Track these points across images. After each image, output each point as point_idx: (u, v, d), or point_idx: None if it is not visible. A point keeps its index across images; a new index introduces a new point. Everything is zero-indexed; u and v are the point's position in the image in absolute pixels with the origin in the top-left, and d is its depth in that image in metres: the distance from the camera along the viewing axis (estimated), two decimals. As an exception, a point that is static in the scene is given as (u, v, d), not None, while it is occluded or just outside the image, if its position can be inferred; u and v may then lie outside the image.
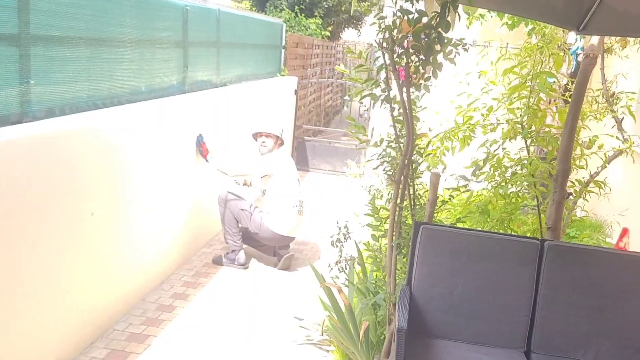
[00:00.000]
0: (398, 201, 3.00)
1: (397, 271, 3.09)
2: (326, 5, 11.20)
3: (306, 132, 9.29)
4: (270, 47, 7.89)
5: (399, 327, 2.34)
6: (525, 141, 3.80)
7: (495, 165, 3.75)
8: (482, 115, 3.88)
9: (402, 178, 2.98)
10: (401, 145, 3.11)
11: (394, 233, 3.05)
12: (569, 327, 2.67)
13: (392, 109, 3.03)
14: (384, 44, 2.90)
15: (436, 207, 3.27)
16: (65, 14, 3.13)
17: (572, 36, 6.18)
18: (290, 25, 10.24)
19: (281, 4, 11.00)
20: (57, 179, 2.98)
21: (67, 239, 3.13)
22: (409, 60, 2.85)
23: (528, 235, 4.11)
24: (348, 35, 14.43)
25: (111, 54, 3.65)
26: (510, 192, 3.75)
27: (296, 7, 10.77)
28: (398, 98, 3.01)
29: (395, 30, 2.82)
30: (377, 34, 3.01)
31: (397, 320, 2.40)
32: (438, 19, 2.71)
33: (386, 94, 2.97)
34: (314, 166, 8.75)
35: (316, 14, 11.05)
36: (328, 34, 11.32)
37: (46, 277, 2.98)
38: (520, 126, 3.74)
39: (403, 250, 3.09)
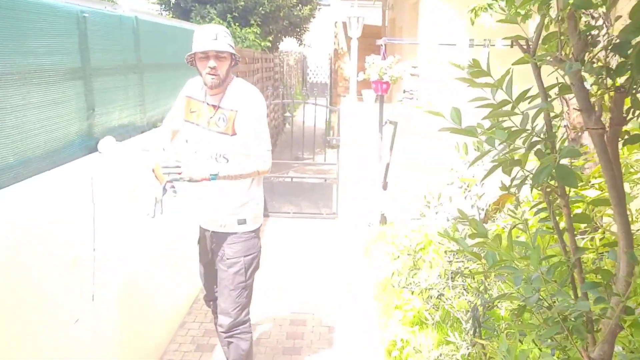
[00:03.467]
0: None
1: None
2: (263, 12, 9.48)
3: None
4: (207, 66, 6.09)
5: None
6: None
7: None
8: None
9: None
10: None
11: None
12: None
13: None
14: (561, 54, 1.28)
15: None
16: None
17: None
18: (223, 37, 8.43)
19: (209, 13, 9.19)
20: None
21: None
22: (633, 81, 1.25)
23: None
24: (286, 44, 12.77)
25: None
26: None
27: (228, 15, 9.00)
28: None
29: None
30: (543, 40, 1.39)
31: None
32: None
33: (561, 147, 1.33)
34: (275, 209, 6.99)
35: (252, 22, 9.30)
36: (269, 44, 9.60)
37: None
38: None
39: None
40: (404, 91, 6.15)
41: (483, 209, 2.44)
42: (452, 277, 2.58)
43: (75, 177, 2.61)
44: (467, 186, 2.18)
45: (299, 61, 19.46)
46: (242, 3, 9.27)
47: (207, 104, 2.86)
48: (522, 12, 4.96)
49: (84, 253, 2.60)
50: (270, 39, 9.73)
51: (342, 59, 15.60)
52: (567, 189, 1.32)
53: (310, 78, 22.41)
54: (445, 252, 2.92)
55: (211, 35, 2.69)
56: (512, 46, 5.56)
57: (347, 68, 15.68)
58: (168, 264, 3.87)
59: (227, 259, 2.92)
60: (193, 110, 2.91)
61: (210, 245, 3.07)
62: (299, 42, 11.46)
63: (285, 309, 4.37)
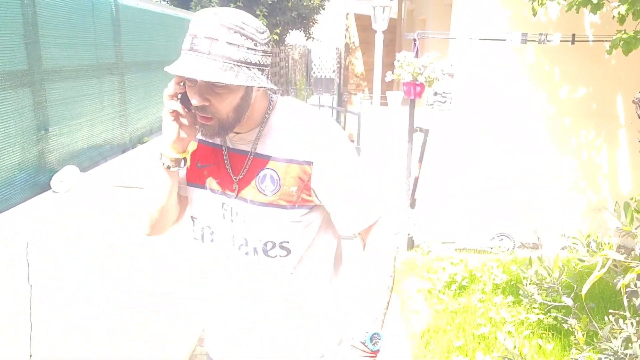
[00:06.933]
0: None
1: None
2: (270, 2, 8.56)
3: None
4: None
5: None
6: None
7: None
8: None
9: None
10: None
11: None
12: None
13: None
14: None
15: None
16: None
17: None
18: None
19: (210, 2, 8.30)
20: None
21: None
22: None
23: None
24: (293, 38, 11.85)
25: None
26: None
27: (231, 4, 8.10)
28: None
29: None
30: None
31: None
32: None
33: None
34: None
35: (258, 12, 8.40)
36: (276, 37, 8.69)
37: None
38: None
39: None
40: (435, 93, 5.27)
41: None
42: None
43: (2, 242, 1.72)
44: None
45: (303, 55, 18.55)
46: (247, -9, 8.37)
47: (231, 150, 1.40)
48: (594, 0, 4.08)
49: None
50: (278, 31, 8.82)
51: (353, 54, 14.66)
52: None
53: (314, 73, 21.47)
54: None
55: (195, 36, 1.22)
56: (573, 42, 4.67)
57: (358, 64, 14.73)
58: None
59: None
60: (204, 164, 1.42)
61: None
62: (307, 35, 10.53)
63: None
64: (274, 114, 1.37)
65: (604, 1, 3.96)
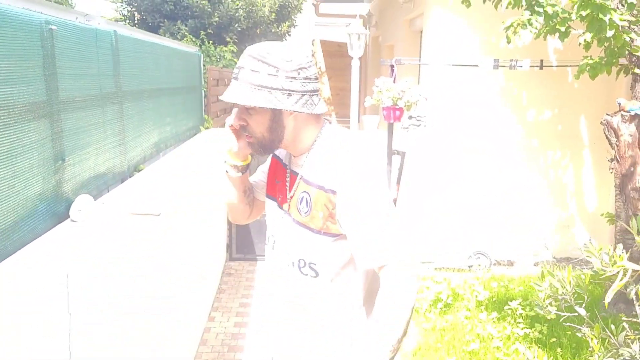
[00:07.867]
0: None
1: None
2: (239, 29, 8.67)
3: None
4: (189, 90, 5.24)
5: None
6: None
7: None
8: None
9: None
10: None
11: None
12: None
13: None
14: None
15: None
16: None
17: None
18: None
19: (180, 29, 8.33)
20: None
21: None
22: None
23: None
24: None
25: None
26: None
27: (201, 32, 8.15)
28: None
29: None
30: None
31: None
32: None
33: None
34: (263, 252, 6.11)
35: (228, 39, 8.48)
36: (247, 64, 8.76)
37: None
38: None
39: None
40: (410, 117, 5.42)
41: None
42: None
43: (39, 273, 1.73)
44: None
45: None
46: (217, 19, 8.45)
47: (290, 171, 1.57)
48: (562, 29, 4.34)
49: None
50: (248, 58, 8.89)
51: (320, 79, 14.85)
52: None
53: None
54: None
55: (236, 69, 1.42)
56: (541, 67, 4.93)
57: (325, 89, 14.88)
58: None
59: None
60: (278, 181, 1.60)
61: None
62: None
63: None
64: (319, 141, 1.49)
65: (570, 29, 4.20)
